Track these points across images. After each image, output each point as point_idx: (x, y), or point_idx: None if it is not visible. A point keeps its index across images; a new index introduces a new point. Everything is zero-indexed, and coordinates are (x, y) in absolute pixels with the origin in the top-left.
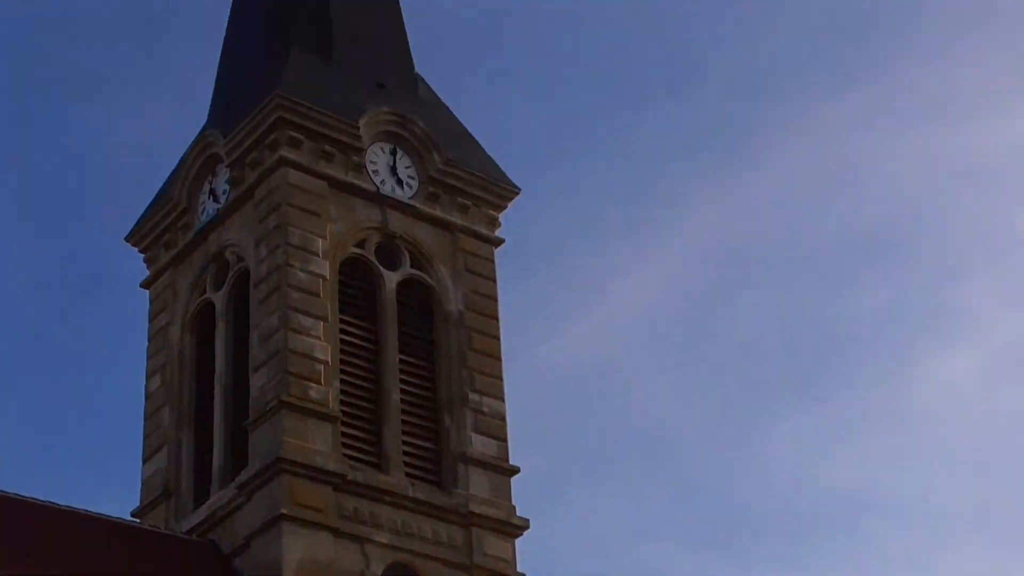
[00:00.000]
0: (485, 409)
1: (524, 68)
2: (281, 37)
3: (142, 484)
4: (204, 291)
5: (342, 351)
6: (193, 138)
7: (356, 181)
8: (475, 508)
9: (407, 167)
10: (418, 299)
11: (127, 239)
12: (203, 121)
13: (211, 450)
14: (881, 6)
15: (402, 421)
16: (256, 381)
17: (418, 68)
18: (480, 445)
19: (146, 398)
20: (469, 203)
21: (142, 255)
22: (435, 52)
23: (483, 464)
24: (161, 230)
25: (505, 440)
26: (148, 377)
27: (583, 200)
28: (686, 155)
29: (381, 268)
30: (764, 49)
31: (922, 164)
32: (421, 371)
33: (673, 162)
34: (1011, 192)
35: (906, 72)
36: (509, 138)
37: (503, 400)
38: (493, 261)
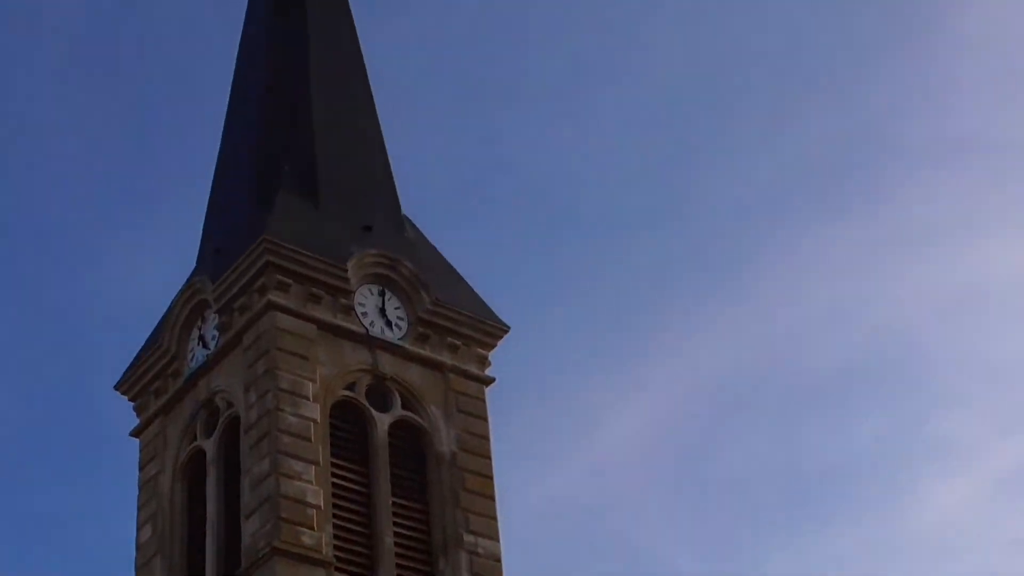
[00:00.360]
0: (480, 550)
1: (510, 206)
2: (267, 181)
3: None
4: (194, 438)
5: (334, 495)
6: (181, 285)
7: (345, 323)
8: None
9: (396, 308)
10: (410, 440)
11: (116, 388)
12: (192, 267)
13: None
14: (866, 139)
15: (396, 565)
16: (248, 528)
17: (405, 209)
18: None
19: (137, 549)
20: (459, 343)
21: (131, 403)
22: (421, 193)
23: None
24: (150, 378)
25: None
26: (139, 527)
27: (573, 336)
28: (674, 289)
29: (372, 410)
30: (751, 182)
31: (911, 294)
32: (414, 513)
33: (661, 296)
34: (1000, 320)
35: (892, 203)
36: (497, 276)
37: (498, 540)
38: (484, 400)
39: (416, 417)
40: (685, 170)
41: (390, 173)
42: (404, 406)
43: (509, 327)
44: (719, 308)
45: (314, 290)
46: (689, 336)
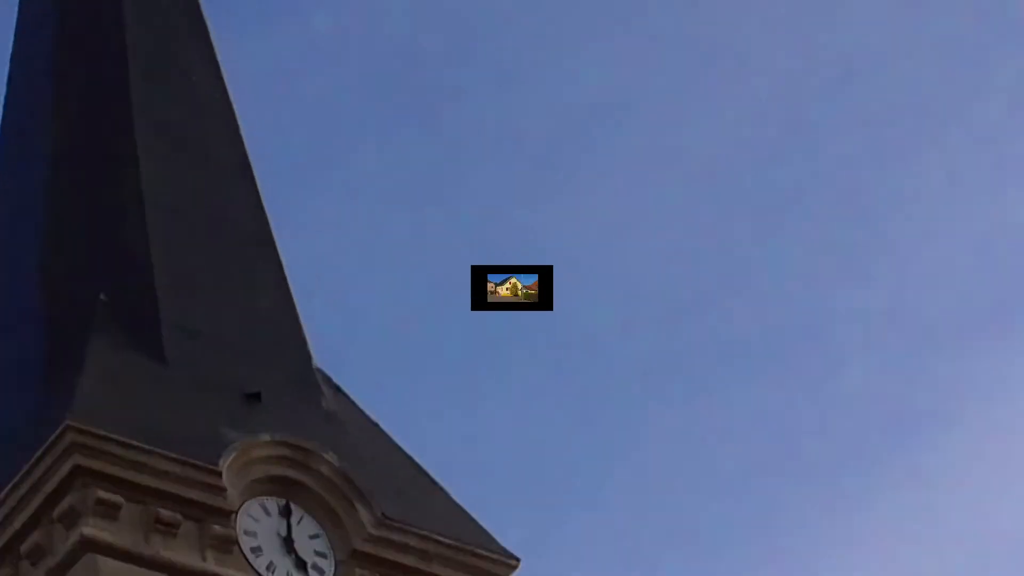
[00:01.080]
0: None
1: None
2: (73, 326)
3: None
4: None
5: None
6: None
7: (222, 569)
8: None
9: (313, 536)
10: None
11: None
12: None
13: None
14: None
15: None
16: None
17: (318, 361)
18: None
19: None
20: None
21: None
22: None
23: None
24: None
25: None
26: None
27: (581, 562)
28: (686, 504)
29: None
30: (743, 310)
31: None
32: None
33: (670, 512)
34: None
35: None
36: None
37: None
38: None
39: None
40: (677, 321)
41: (292, 303)
42: None
43: (520, 559)
44: (733, 528)
45: (163, 512)
46: (705, 556)
